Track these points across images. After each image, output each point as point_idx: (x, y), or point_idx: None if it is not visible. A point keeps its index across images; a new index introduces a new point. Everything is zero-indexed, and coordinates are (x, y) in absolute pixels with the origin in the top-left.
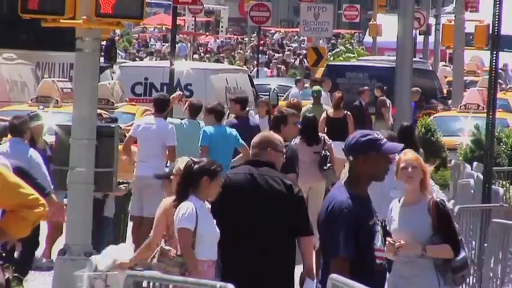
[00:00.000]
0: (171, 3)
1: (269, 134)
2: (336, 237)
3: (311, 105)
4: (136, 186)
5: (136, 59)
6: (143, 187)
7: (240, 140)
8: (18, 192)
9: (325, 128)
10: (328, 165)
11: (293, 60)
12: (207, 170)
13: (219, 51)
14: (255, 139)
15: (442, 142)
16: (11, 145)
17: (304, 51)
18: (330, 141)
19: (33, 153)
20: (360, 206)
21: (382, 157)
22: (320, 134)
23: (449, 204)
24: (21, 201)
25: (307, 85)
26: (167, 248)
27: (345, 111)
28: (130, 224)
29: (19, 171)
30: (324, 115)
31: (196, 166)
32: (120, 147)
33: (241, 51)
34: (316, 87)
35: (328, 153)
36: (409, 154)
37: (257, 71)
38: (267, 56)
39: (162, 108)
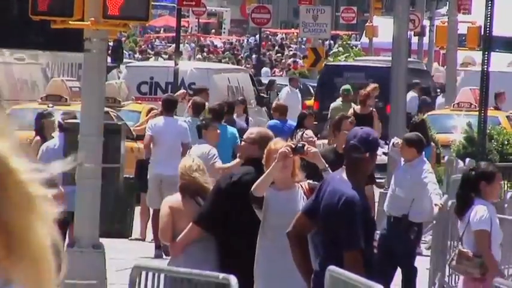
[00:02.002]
0: (175, 5)
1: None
2: (354, 230)
3: (340, 102)
4: (154, 183)
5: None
6: (165, 185)
7: (238, 139)
8: None
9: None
10: None
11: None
12: (484, 174)
13: (219, 51)
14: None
15: (436, 139)
16: (59, 140)
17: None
18: (308, 135)
19: None
20: (363, 199)
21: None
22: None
23: (443, 199)
24: None
25: None
26: (465, 250)
27: (371, 108)
28: (136, 220)
29: None
30: (351, 111)
31: (473, 172)
32: (127, 144)
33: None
34: (346, 86)
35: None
36: (280, 143)
37: (258, 70)
38: (267, 57)
39: (170, 107)
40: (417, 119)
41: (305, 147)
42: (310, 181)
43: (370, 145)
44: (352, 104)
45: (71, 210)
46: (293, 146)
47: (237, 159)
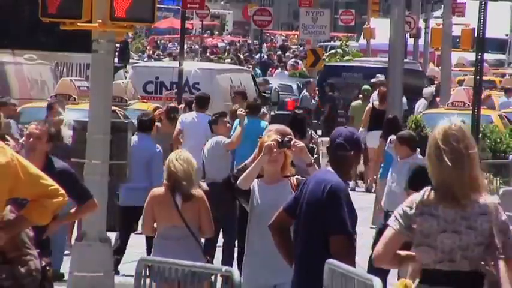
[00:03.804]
0: (180, 7)
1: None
2: (342, 215)
3: (360, 101)
4: None
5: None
6: None
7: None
8: (39, 183)
9: (369, 117)
10: (315, 156)
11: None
12: None
13: (224, 51)
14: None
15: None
16: (138, 140)
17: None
18: (317, 136)
19: (158, 148)
20: (347, 189)
21: None
22: (308, 129)
23: None
24: (42, 191)
25: None
26: None
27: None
28: None
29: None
30: (369, 105)
31: None
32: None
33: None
34: (366, 86)
35: (314, 146)
36: (272, 137)
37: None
38: (267, 57)
39: (203, 104)
40: (391, 116)
41: (292, 142)
42: (299, 176)
43: (355, 144)
44: (371, 99)
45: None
46: (280, 140)
47: (239, 130)
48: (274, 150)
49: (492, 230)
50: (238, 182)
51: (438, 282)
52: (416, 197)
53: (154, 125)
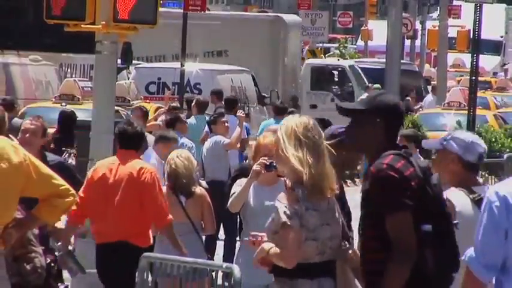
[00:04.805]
0: (181, 10)
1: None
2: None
3: None
4: None
5: None
6: None
7: None
8: (51, 183)
9: None
10: None
11: None
12: None
13: None
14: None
15: (427, 136)
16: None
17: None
18: None
19: (187, 142)
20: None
21: None
22: None
23: None
24: (53, 191)
25: None
26: None
27: None
28: None
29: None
30: None
31: None
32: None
33: None
34: (377, 85)
35: None
36: (268, 138)
37: None
38: None
39: (231, 106)
40: None
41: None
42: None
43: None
44: None
45: None
46: (267, 163)
47: (238, 129)
48: (262, 173)
49: (341, 220)
50: (228, 205)
51: (311, 274)
52: (296, 193)
53: (178, 123)
